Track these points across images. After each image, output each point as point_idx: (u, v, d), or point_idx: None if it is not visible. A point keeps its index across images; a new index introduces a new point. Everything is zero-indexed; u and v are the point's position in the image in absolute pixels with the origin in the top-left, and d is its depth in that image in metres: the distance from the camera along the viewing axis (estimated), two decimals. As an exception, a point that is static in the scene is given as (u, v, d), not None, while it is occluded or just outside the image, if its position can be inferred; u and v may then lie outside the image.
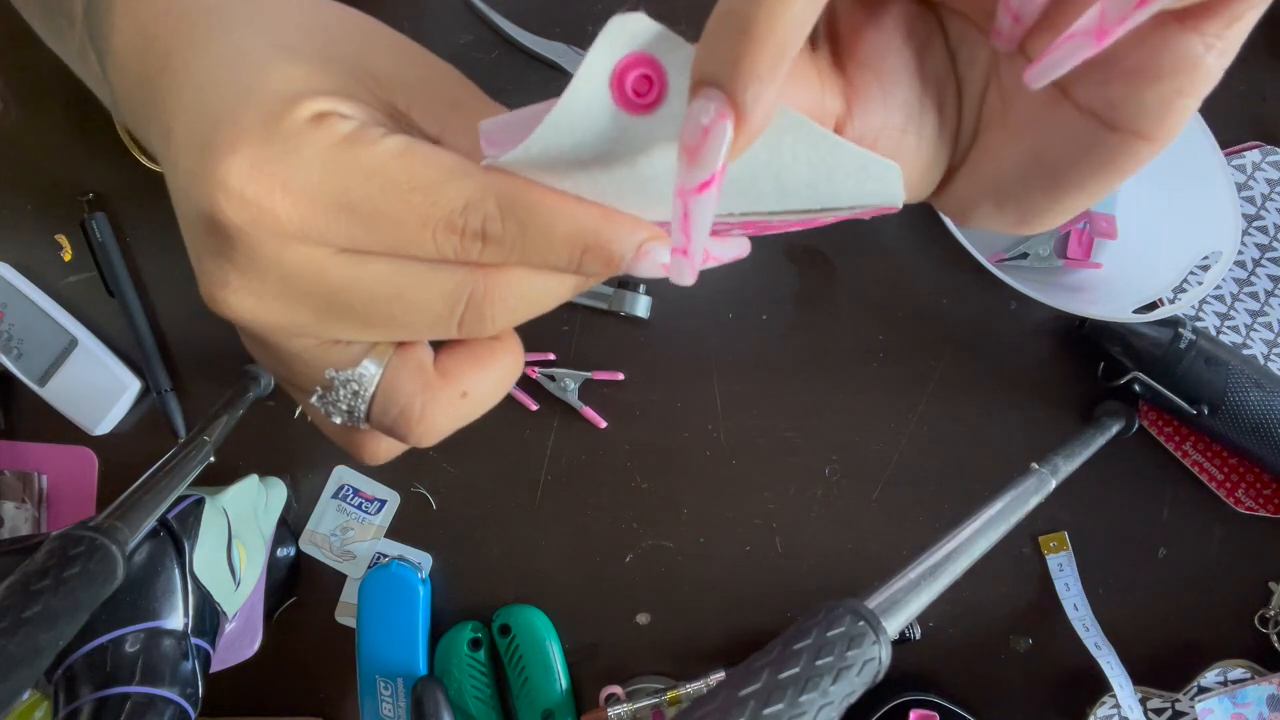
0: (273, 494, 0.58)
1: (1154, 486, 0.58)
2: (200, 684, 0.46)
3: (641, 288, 0.56)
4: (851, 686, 0.29)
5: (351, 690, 0.59)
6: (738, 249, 0.24)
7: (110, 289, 0.59)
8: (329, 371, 0.23)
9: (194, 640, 0.47)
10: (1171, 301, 0.52)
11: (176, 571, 0.47)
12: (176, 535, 0.48)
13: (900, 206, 0.23)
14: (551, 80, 0.57)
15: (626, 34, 0.18)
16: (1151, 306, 0.51)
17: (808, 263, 0.58)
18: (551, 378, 0.58)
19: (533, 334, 0.58)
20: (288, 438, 0.60)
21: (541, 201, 0.20)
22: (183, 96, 0.20)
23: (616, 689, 0.58)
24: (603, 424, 0.59)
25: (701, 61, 0.17)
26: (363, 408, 0.24)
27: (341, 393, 0.23)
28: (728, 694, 0.28)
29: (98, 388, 0.58)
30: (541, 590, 0.60)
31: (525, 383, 0.59)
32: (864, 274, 0.58)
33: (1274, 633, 0.57)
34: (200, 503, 0.50)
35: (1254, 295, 0.56)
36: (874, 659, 0.30)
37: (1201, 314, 0.56)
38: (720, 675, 0.56)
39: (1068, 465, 0.47)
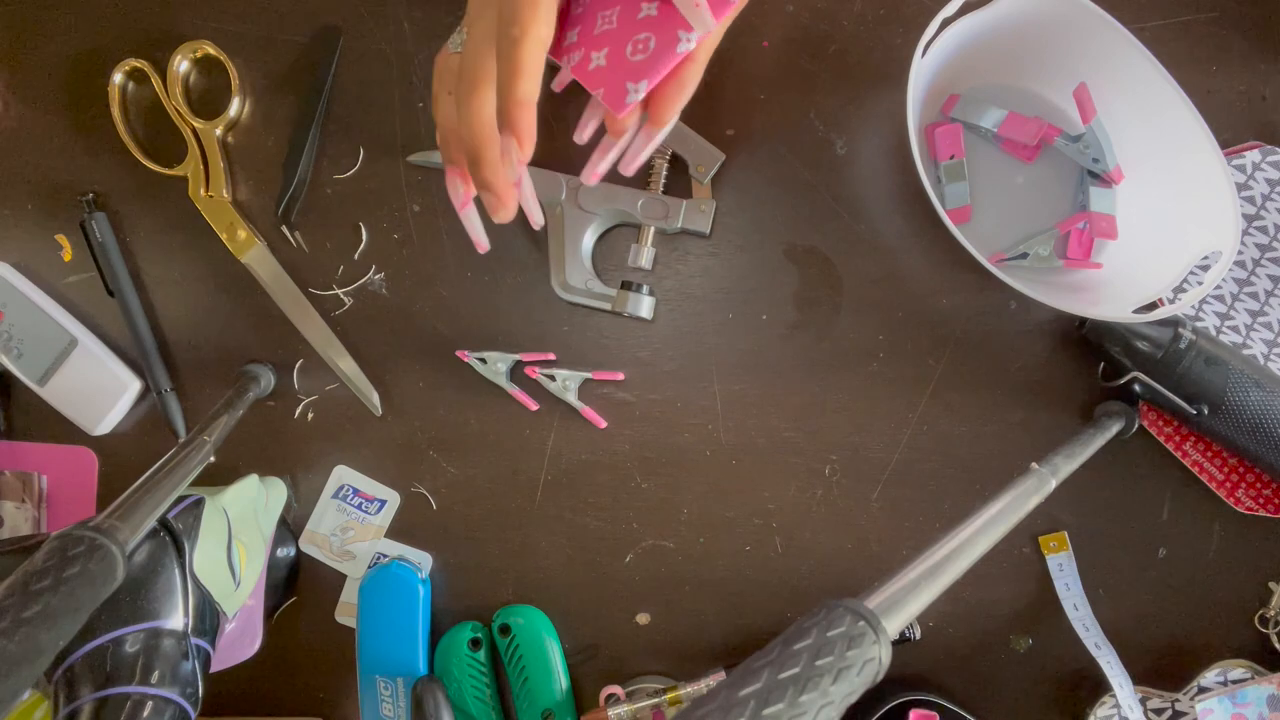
0: (273, 494, 0.58)
1: (1154, 486, 0.58)
2: (200, 684, 0.46)
3: (645, 288, 0.56)
4: (851, 686, 0.29)
5: (351, 690, 0.59)
6: None
7: (110, 289, 0.59)
8: None
9: (194, 640, 0.47)
10: (1171, 301, 0.52)
11: (176, 571, 0.47)
12: (176, 535, 0.48)
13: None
14: (551, 79, 0.57)
15: None
16: (1151, 306, 0.51)
17: (808, 263, 0.58)
18: (551, 378, 0.58)
19: (533, 334, 0.58)
20: (288, 438, 0.60)
21: None
22: None
23: (616, 689, 0.58)
24: (603, 424, 0.59)
25: None
26: None
27: None
28: (728, 694, 0.28)
29: (98, 388, 0.58)
30: (541, 590, 0.60)
31: (525, 383, 0.59)
32: (864, 274, 0.58)
33: (1274, 633, 0.57)
34: (200, 503, 0.50)
35: (1254, 295, 0.56)
36: (874, 659, 0.30)
37: (1201, 314, 0.56)
38: (720, 675, 0.56)
39: (1068, 465, 0.47)
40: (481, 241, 0.49)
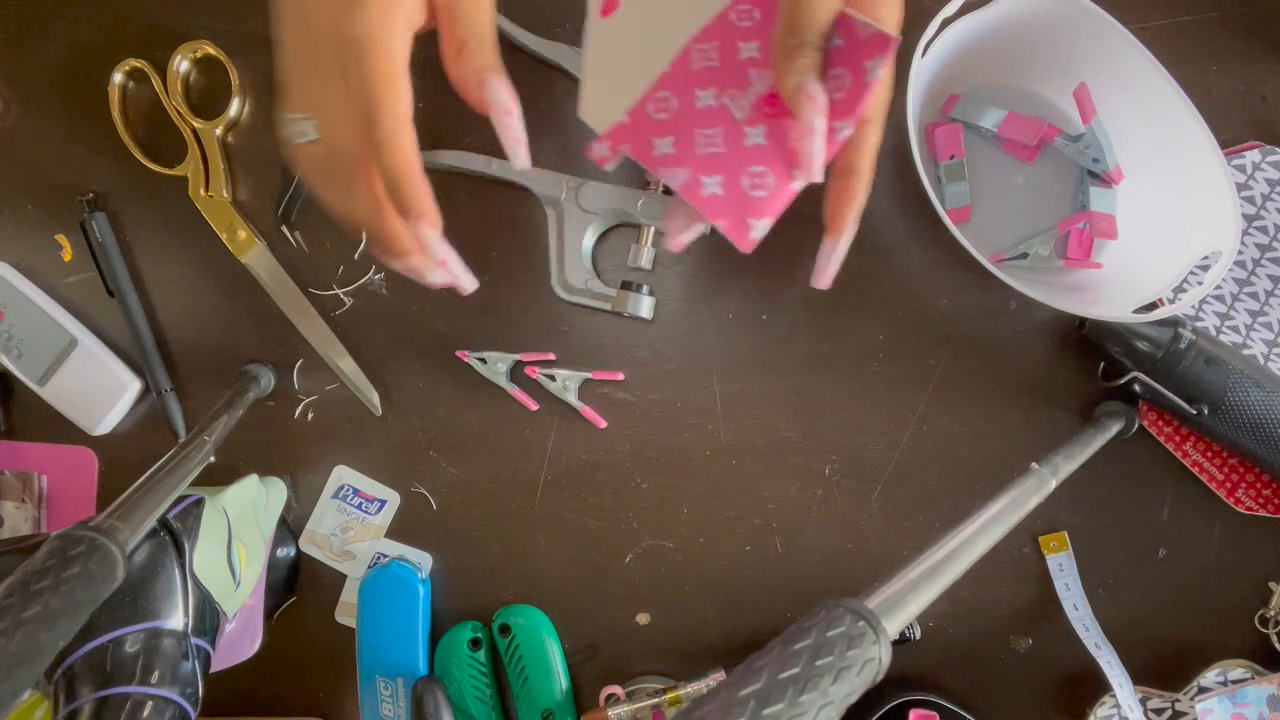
0: (273, 494, 0.58)
1: (1154, 486, 0.58)
2: (200, 684, 0.46)
3: (645, 288, 0.56)
4: (851, 686, 0.29)
5: (351, 690, 0.59)
6: None
7: (110, 289, 0.59)
8: None
9: (194, 640, 0.47)
10: (1171, 301, 0.52)
11: (176, 571, 0.47)
12: (176, 535, 0.48)
13: None
14: (553, 81, 0.57)
15: None
16: (1151, 306, 0.51)
17: (809, 263, 0.58)
18: (552, 377, 0.58)
19: (533, 334, 0.58)
20: (288, 438, 0.60)
21: None
22: None
23: (616, 689, 0.58)
24: (603, 424, 0.59)
25: None
26: None
27: None
28: (728, 694, 0.28)
29: (98, 388, 0.58)
30: (541, 590, 0.60)
31: (525, 383, 0.59)
32: (864, 274, 0.58)
33: (1274, 633, 0.57)
34: (200, 503, 0.50)
35: (1254, 295, 0.56)
36: (874, 659, 0.30)
37: (1201, 314, 0.56)
38: (720, 675, 0.56)
39: (1068, 465, 0.47)
40: (467, 284, 0.45)
